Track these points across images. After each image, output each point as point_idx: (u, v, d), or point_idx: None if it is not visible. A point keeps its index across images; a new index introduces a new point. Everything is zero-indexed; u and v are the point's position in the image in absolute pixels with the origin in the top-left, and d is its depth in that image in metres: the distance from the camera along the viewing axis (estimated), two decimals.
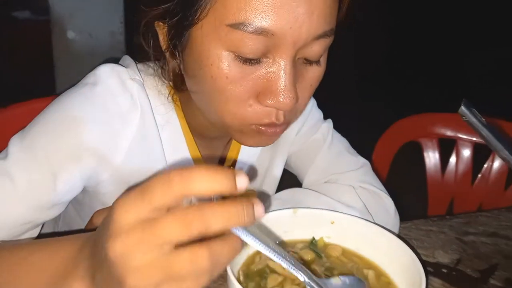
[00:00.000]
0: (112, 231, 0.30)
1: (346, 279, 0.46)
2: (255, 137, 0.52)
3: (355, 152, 0.71)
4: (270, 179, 0.70)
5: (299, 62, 0.48)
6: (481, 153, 1.17)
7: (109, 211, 0.32)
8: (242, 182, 0.30)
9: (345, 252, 0.54)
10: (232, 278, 0.41)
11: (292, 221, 0.55)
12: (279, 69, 0.45)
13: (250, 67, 0.45)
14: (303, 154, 0.70)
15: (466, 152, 1.21)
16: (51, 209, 0.53)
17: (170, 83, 0.57)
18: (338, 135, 0.72)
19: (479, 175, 1.18)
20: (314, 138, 0.69)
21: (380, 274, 0.51)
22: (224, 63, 0.45)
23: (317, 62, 0.49)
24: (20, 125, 0.58)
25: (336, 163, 0.67)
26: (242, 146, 0.67)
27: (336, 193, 0.62)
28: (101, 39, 1.73)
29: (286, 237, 0.56)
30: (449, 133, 1.22)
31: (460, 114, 0.52)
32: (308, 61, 0.49)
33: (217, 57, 0.45)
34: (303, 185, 0.70)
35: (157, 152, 0.59)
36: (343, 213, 0.57)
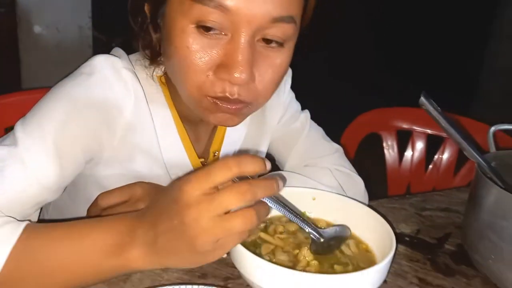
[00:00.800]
0: (184, 202, 0.41)
1: (336, 228, 0.57)
2: (215, 113, 0.56)
3: (329, 139, 0.80)
4: None
5: (259, 45, 0.52)
6: (434, 144, 1.31)
7: (172, 189, 0.44)
8: (269, 165, 0.43)
9: (328, 225, 0.62)
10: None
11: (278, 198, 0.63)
12: (235, 46, 0.50)
13: (210, 41, 0.51)
14: (284, 141, 0.77)
15: (420, 144, 1.34)
16: (57, 191, 0.57)
17: (158, 68, 0.63)
18: (314, 124, 0.80)
19: (432, 163, 1.31)
20: (293, 127, 0.77)
21: (358, 242, 0.59)
22: (186, 34, 0.51)
23: (279, 47, 0.53)
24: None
25: (313, 149, 0.75)
26: (226, 134, 0.73)
27: (315, 174, 0.70)
28: (68, 33, 1.71)
29: (273, 213, 0.63)
30: (405, 125, 1.35)
31: (420, 104, 0.61)
32: (269, 45, 0.53)
33: (180, 29, 0.51)
34: (285, 169, 0.77)
35: (150, 135, 0.63)
36: (323, 190, 0.65)
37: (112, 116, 0.59)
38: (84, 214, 0.62)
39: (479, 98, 3.15)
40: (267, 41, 0.53)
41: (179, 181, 0.43)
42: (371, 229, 0.58)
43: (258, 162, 0.42)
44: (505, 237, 0.54)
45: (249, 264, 0.48)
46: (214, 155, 0.73)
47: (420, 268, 0.62)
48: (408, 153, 1.34)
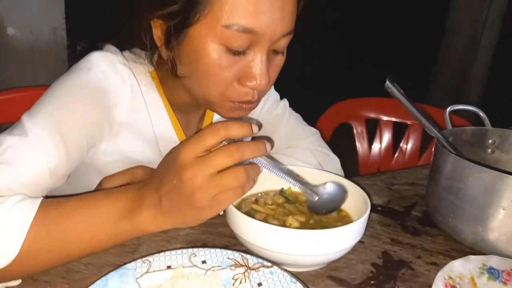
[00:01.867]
0: (181, 164, 0.47)
1: (332, 184, 0.63)
2: (234, 111, 0.65)
3: (307, 124, 0.88)
4: None
5: (270, 53, 0.62)
6: (399, 131, 1.42)
7: (170, 155, 0.50)
8: (255, 129, 0.49)
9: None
10: (233, 209, 0.54)
11: (265, 176, 0.69)
12: (258, 60, 0.59)
13: (237, 58, 0.58)
14: (267, 126, 0.85)
15: (387, 131, 1.45)
16: (62, 177, 0.61)
17: (154, 67, 0.69)
18: (293, 111, 0.88)
19: (398, 149, 1.43)
20: (275, 113, 0.84)
21: (339, 211, 0.67)
22: (218, 54, 0.57)
23: (282, 53, 0.64)
24: None
25: (294, 133, 0.83)
26: (214, 121, 0.80)
27: (296, 154, 0.78)
28: (42, 34, 1.71)
29: (262, 188, 0.70)
30: (373, 115, 1.45)
31: (386, 87, 0.69)
32: (276, 52, 0.63)
33: (212, 50, 0.57)
34: (270, 152, 0.85)
35: (146, 123, 0.69)
36: (304, 166, 0.72)
37: (111, 106, 0.64)
38: None
39: (434, 88, 3.35)
40: (275, 51, 0.62)
41: (176, 147, 0.49)
42: (349, 197, 0.66)
43: (245, 126, 0.48)
44: (460, 197, 0.63)
45: (246, 225, 0.54)
46: None
47: (392, 231, 0.71)
48: (376, 140, 1.45)
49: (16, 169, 0.55)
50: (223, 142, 0.49)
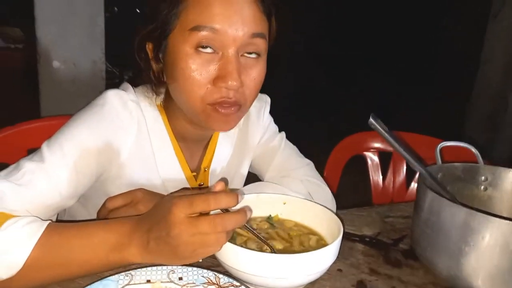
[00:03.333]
0: (172, 221, 0.54)
1: None
2: (216, 118, 0.70)
3: (302, 155, 0.93)
4: (238, 177, 0.90)
5: (243, 58, 0.69)
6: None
7: (164, 206, 0.56)
8: (240, 198, 0.56)
9: (296, 224, 0.74)
10: None
11: (255, 203, 0.75)
12: (226, 60, 0.67)
13: (206, 59, 0.67)
14: (263, 157, 0.91)
15: (402, 163, 1.45)
16: (73, 199, 0.70)
17: (158, 97, 0.78)
18: (289, 143, 0.93)
19: (413, 183, 1.43)
20: (271, 145, 0.91)
21: (320, 239, 0.71)
22: (190, 57, 0.67)
23: (256, 59, 0.70)
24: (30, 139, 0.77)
25: (288, 163, 0.89)
26: (215, 153, 0.87)
27: (287, 184, 0.83)
28: (83, 67, 1.89)
29: (250, 215, 0.75)
30: (386, 147, 1.47)
31: (369, 124, 0.74)
32: (249, 56, 0.69)
33: (184, 54, 0.67)
34: (265, 181, 0.90)
35: (149, 153, 0.78)
36: (292, 195, 0.77)
37: (119, 139, 0.74)
38: (92, 217, 0.76)
39: (471, 118, 3.25)
40: (249, 54, 0.70)
41: (170, 201, 0.55)
42: (328, 226, 0.70)
43: (232, 198, 0.55)
44: (436, 231, 0.65)
45: (225, 250, 0.60)
46: (205, 170, 0.86)
47: (373, 261, 0.73)
48: (389, 172, 1.46)
49: (31, 192, 0.64)
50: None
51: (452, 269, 0.63)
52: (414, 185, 1.43)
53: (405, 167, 1.45)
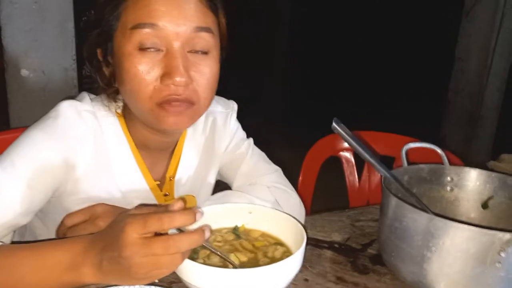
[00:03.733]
0: (124, 241, 0.51)
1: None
2: (167, 117, 0.67)
3: (270, 161, 0.92)
4: (206, 186, 0.88)
5: (190, 55, 0.67)
6: (390, 162, 1.43)
7: (118, 226, 0.53)
8: (199, 216, 0.54)
9: (263, 234, 0.73)
10: None
11: (221, 213, 0.73)
12: (171, 56, 0.65)
13: (151, 57, 0.66)
14: (231, 165, 0.89)
15: None
16: (28, 215, 0.68)
17: (117, 105, 0.76)
18: (257, 149, 0.92)
19: None
20: (239, 152, 0.89)
21: (286, 251, 0.69)
22: (132, 56, 0.66)
23: (205, 56, 0.68)
24: None
25: (255, 170, 0.87)
26: (181, 161, 0.85)
27: (254, 191, 0.81)
28: (54, 75, 1.85)
29: (217, 225, 0.73)
30: None
31: (332, 129, 0.73)
32: (197, 53, 0.68)
33: (128, 54, 0.66)
34: (233, 189, 0.89)
35: (108, 166, 0.75)
36: (258, 204, 0.76)
37: (75, 152, 0.71)
38: (52, 234, 0.73)
39: (450, 114, 3.30)
40: (195, 51, 0.68)
41: (124, 220, 0.53)
42: (293, 235, 0.69)
43: (188, 217, 0.53)
44: (399, 237, 0.65)
45: (184, 266, 0.58)
46: (170, 180, 0.84)
47: (341, 269, 0.72)
48: (365, 172, 1.46)
49: None
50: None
51: (416, 275, 0.63)
52: None
53: None
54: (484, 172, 0.79)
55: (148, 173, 0.80)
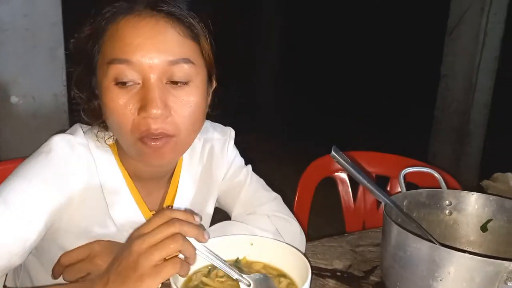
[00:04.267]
0: (133, 238, 0.54)
1: (261, 275, 0.64)
2: (148, 153, 0.67)
3: (269, 188, 0.91)
4: (204, 216, 0.87)
5: (168, 87, 0.67)
6: (384, 182, 1.43)
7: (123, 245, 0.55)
8: (198, 219, 0.57)
9: (265, 266, 0.72)
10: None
11: (221, 246, 0.72)
12: (147, 89, 0.65)
13: (126, 91, 0.66)
14: (229, 193, 0.88)
15: None
16: (23, 255, 0.66)
17: (110, 137, 0.75)
18: (256, 176, 0.91)
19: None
20: (237, 180, 0.88)
21: (290, 283, 0.68)
22: (109, 91, 0.66)
23: (184, 86, 0.68)
24: None
25: (254, 199, 0.87)
26: (178, 192, 0.83)
27: (254, 221, 0.80)
28: (44, 101, 1.83)
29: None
30: None
31: (332, 157, 0.73)
32: (176, 85, 0.67)
33: (106, 88, 0.67)
34: (232, 218, 0.88)
35: (101, 199, 0.74)
36: (259, 236, 0.75)
37: (68, 188, 0.70)
38: (49, 273, 0.71)
39: (438, 132, 3.35)
40: (174, 82, 0.68)
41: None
42: (296, 267, 0.68)
43: (199, 232, 0.56)
44: (403, 266, 0.64)
45: None
46: None
47: None
48: (360, 193, 1.46)
49: None
50: None
51: None
52: (382, 206, 1.43)
53: None
54: (482, 195, 0.79)
55: (143, 203, 0.79)
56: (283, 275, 0.69)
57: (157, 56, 0.65)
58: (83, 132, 0.75)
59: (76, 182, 0.70)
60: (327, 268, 0.81)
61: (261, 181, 0.92)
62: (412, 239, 0.62)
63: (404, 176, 0.83)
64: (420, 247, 0.61)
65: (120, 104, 0.65)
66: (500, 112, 3.28)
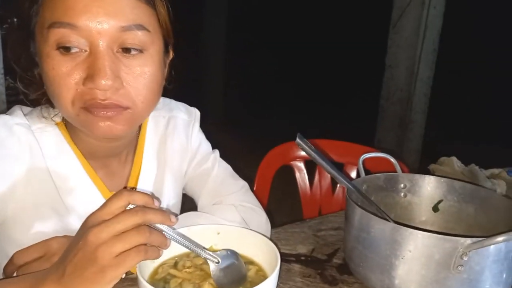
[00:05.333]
0: (88, 226, 0.51)
1: (228, 251, 0.64)
2: (95, 123, 0.61)
3: (237, 176, 0.90)
4: (166, 196, 0.83)
5: (120, 55, 0.60)
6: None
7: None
8: (157, 203, 0.54)
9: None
10: (142, 281, 0.55)
11: (188, 236, 0.71)
12: (95, 57, 0.58)
13: (71, 58, 0.59)
14: (196, 181, 0.87)
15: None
16: None
17: (57, 117, 0.69)
18: (223, 163, 0.90)
19: (338, 186, 1.48)
20: (204, 167, 0.87)
21: (258, 270, 0.69)
22: (50, 58, 0.59)
23: (139, 54, 0.61)
24: None
25: (221, 188, 0.85)
26: (141, 172, 0.79)
27: (221, 212, 0.79)
28: None
29: (182, 250, 0.70)
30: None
31: (296, 143, 0.74)
32: (129, 54, 0.61)
33: (46, 55, 0.60)
34: (198, 208, 0.86)
35: (50, 183, 0.68)
36: (226, 224, 0.74)
37: (9, 172, 0.64)
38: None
39: (384, 120, 3.52)
40: (127, 50, 0.61)
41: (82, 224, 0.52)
42: (264, 253, 0.68)
43: (147, 196, 0.53)
44: (367, 246, 0.67)
45: None
46: None
47: (311, 282, 0.73)
48: (316, 180, 1.50)
49: None
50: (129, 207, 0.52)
51: (385, 283, 0.65)
52: (339, 189, 1.49)
53: (329, 176, 1.50)
54: (434, 178, 0.84)
55: (103, 185, 0.73)
56: (251, 262, 0.69)
57: (107, 21, 0.58)
58: (23, 114, 0.69)
59: (18, 166, 0.65)
60: (292, 253, 0.82)
61: (229, 168, 0.90)
62: (376, 220, 0.65)
63: (363, 162, 0.87)
64: (383, 228, 0.64)
65: (63, 71, 0.58)
66: (438, 101, 3.52)
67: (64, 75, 0.59)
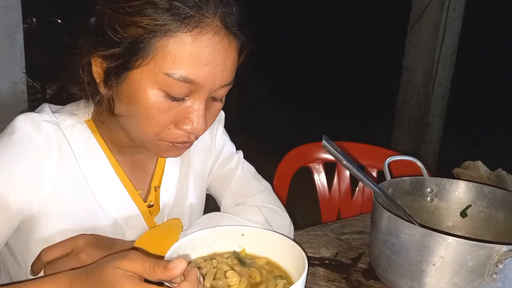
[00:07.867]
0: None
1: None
2: (168, 151, 0.67)
3: (260, 177, 0.90)
4: (191, 196, 0.83)
5: (208, 101, 0.65)
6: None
7: (106, 270, 0.47)
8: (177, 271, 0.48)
9: (268, 263, 0.70)
10: None
11: (212, 238, 0.70)
12: (197, 107, 0.62)
13: (176, 103, 0.61)
14: (220, 181, 0.86)
15: (346, 173, 1.49)
16: None
17: (91, 110, 0.70)
18: (247, 164, 0.90)
19: (357, 189, 1.47)
20: (228, 168, 0.86)
21: (286, 284, 0.66)
22: (157, 99, 0.60)
23: (221, 100, 0.68)
24: None
25: (244, 188, 0.85)
26: (165, 171, 0.79)
27: (244, 213, 0.79)
28: (2, 89, 1.70)
29: (209, 251, 0.70)
30: (330, 157, 1.50)
31: (323, 146, 0.73)
32: (214, 99, 0.66)
33: (152, 94, 0.60)
34: (221, 208, 0.86)
35: (81, 179, 0.68)
36: (250, 226, 0.74)
37: (38, 169, 0.64)
38: (28, 273, 0.66)
39: (400, 122, 3.48)
40: (213, 98, 0.66)
41: (111, 264, 0.48)
42: (290, 257, 0.67)
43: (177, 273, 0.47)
44: (396, 252, 0.66)
45: None
46: (156, 189, 0.79)
47: (336, 286, 0.72)
48: (335, 183, 1.49)
49: None
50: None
51: None
52: (358, 193, 1.47)
53: (348, 174, 1.49)
54: (463, 182, 0.83)
55: (128, 181, 0.74)
56: (281, 271, 0.67)
57: (220, 83, 0.63)
58: (51, 111, 0.70)
59: (46, 162, 0.65)
60: (315, 256, 0.81)
61: (252, 169, 0.90)
62: (406, 225, 0.64)
63: (389, 166, 0.85)
64: (413, 233, 0.63)
65: (162, 112, 0.61)
66: (456, 104, 3.46)
67: (163, 114, 0.62)
